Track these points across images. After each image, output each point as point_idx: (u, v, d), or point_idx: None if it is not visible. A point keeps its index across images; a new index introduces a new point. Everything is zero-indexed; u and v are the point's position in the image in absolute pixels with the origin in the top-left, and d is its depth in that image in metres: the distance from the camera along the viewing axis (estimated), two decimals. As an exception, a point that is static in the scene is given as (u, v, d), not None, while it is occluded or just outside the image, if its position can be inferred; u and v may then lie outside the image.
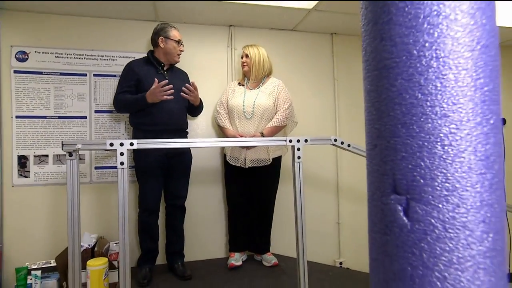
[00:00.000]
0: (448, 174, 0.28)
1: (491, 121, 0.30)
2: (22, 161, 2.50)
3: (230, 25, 2.93)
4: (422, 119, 0.29)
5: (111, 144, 1.43)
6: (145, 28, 2.69)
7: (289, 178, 2.78)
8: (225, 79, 2.92)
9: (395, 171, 0.30)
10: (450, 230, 0.28)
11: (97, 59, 2.66)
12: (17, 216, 2.49)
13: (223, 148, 2.75)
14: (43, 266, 2.18)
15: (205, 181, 2.85)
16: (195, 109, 2.57)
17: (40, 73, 2.56)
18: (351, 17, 2.79)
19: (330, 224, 3.08)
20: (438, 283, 0.28)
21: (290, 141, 1.63)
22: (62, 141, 1.34)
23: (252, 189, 2.64)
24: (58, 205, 2.56)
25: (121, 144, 1.43)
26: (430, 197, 0.29)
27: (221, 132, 2.68)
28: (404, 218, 0.30)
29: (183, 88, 2.28)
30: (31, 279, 2.08)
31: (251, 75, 2.60)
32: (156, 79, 2.17)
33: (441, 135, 0.28)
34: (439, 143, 0.28)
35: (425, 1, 0.28)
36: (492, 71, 0.30)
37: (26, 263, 2.22)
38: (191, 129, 2.72)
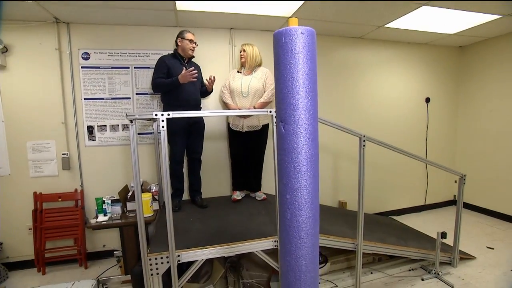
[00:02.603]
0: (295, 114, 0.68)
1: (310, 97, 0.69)
2: (90, 130, 2.82)
3: (231, 28, 3.07)
4: (290, 98, 0.68)
5: (156, 115, 1.78)
6: (168, 32, 2.87)
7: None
8: (227, 68, 3.08)
9: (281, 115, 0.70)
10: (295, 132, 0.68)
11: (136, 56, 2.86)
12: (89, 166, 2.85)
13: (227, 117, 2.94)
14: (110, 198, 2.50)
15: (215, 141, 3.09)
16: (208, 93, 2.81)
17: (98, 67, 2.79)
18: (316, 22, 2.97)
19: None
20: (292, 151, 0.68)
21: (271, 111, 1.91)
22: (126, 113, 1.69)
23: (248, 147, 2.84)
24: (115, 159, 2.89)
25: (162, 115, 1.77)
26: (290, 122, 0.68)
27: (226, 106, 2.89)
28: (283, 130, 0.69)
29: (209, 76, 2.61)
30: (105, 205, 2.44)
31: (246, 65, 2.77)
32: (184, 67, 2.45)
33: (297, 105, 0.67)
34: (293, 105, 0.68)
35: (290, 62, 0.66)
36: (313, 85, 0.68)
37: (100, 196, 2.60)
38: (204, 104, 2.92)
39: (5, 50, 2.56)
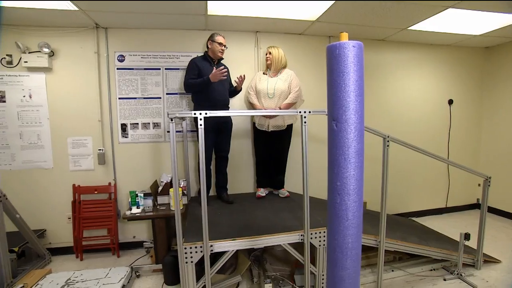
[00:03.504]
0: (346, 114, 0.81)
1: (358, 100, 0.81)
2: (123, 127, 3.02)
3: (257, 31, 3.20)
4: (342, 101, 0.81)
5: (195, 113, 1.94)
6: (197, 35, 3.03)
7: (298, 138, 3.22)
8: (253, 70, 3.21)
9: (333, 115, 0.83)
10: (346, 130, 0.81)
11: (167, 58, 3.04)
12: (122, 161, 3.05)
13: (253, 117, 3.07)
14: (142, 192, 2.71)
15: (240, 139, 3.21)
16: (236, 92, 2.94)
17: (132, 69, 2.99)
18: (340, 26, 3.06)
19: (324, 170, 3.49)
20: (343, 145, 0.81)
21: (300, 112, 2.03)
22: (167, 112, 1.85)
23: (272, 146, 2.94)
24: (145, 155, 3.08)
25: (200, 114, 1.93)
26: (341, 120, 0.81)
27: (252, 107, 3.00)
28: (335, 127, 0.82)
29: (240, 75, 2.72)
30: (137, 198, 2.64)
31: (272, 67, 2.89)
32: (214, 68, 2.59)
33: (348, 106, 0.81)
34: (344, 107, 0.81)
35: (343, 71, 0.79)
36: (361, 90, 0.81)
37: (130, 189, 2.81)
38: (231, 104, 3.02)
39: (52, 54, 2.80)
